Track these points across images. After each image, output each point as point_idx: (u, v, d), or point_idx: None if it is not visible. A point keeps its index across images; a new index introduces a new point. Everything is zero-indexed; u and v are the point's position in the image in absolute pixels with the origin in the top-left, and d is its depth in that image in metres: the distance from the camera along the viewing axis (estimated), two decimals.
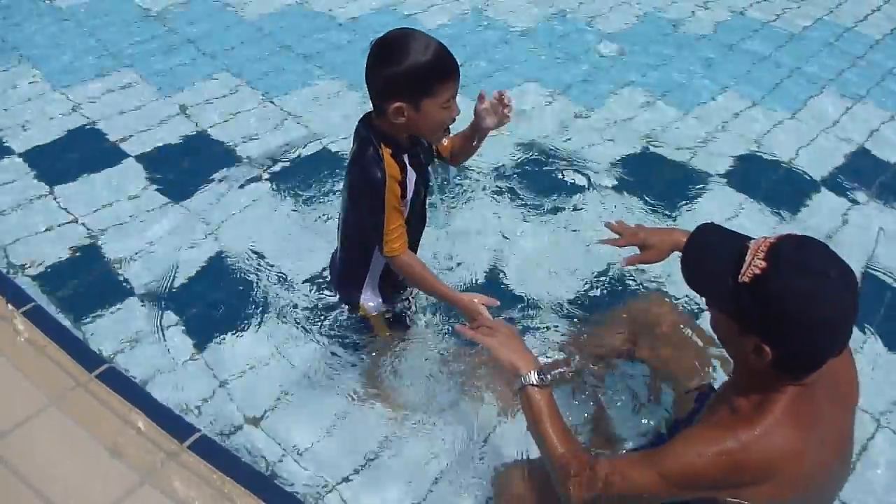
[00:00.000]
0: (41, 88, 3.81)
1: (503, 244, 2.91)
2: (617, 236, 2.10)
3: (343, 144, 3.40)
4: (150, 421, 2.16)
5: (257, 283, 2.73)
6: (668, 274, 2.67)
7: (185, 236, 2.92)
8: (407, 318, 2.32)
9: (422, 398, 2.33)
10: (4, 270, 2.73)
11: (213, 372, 2.42)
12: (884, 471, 2.19)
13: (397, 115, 1.77)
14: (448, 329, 2.37)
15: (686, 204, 3.18)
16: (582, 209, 3.11)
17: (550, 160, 3.40)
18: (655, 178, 3.33)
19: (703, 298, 1.57)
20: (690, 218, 3.06)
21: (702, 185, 3.29)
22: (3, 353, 2.33)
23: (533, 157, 3.41)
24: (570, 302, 2.69)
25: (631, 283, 2.75)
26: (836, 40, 4.52)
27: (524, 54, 4.27)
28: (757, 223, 3.06)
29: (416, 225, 2.08)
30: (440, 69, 1.75)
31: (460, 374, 2.34)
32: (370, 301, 2.17)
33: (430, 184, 2.10)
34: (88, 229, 2.95)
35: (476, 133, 2.08)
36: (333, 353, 2.47)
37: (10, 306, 2.49)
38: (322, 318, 2.59)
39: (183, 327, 2.56)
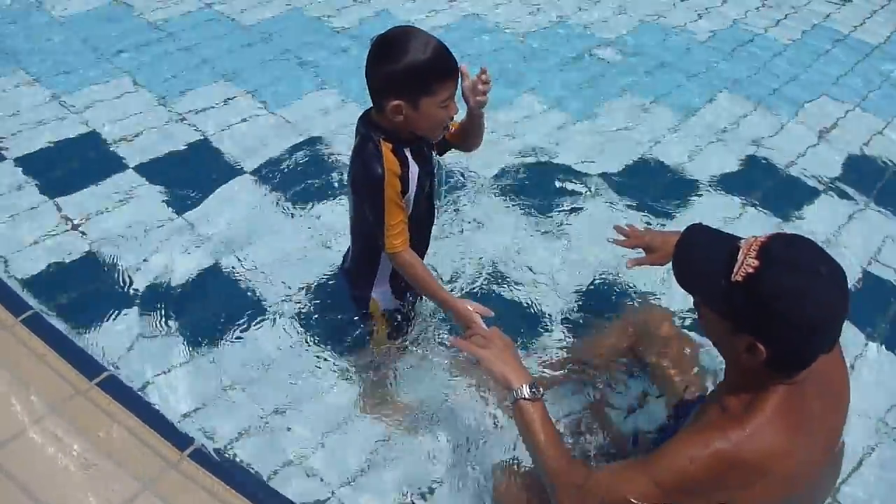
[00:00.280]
0: (41, 95, 3.81)
1: (500, 251, 2.91)
2: (624, 238, 2.15)
3: (341, 151, 3.40)
4: (150, 429, 2.15)
5: (256, 290, 2.73)
6: (671, 280, 2.67)
7: (183, 244, 2.91)
8: (407, 325, 2.32)
9: (420, 405, 2.33)
10: (3, 278, 2.72)
11: (212, 379, 2.41)
12: (885, 474, 2.20)
13: (396, 113, 1.77)
14: (446, 336, 2.37)
15: (685, 209, 3.18)
16: (580, 215, 3.12)
17: (548, 167, 3.40)
18: (654, 183, 3.34)
19: (693, 299, 1.57)
20: (690, 222, 3.05)
21: (701, 190, 3.30)
22: (3, 362, 2.32)
23: (531, 163, 3.41)
24: (568, 308, 2.69)
25: (630, 289, 2.75)
26: (832, 46, 4.55)
27: (521, 60, 4.28)
28: (756, 228, 3.06)
29: (423, 218, 2.07)
30: (439, 68, 1.75)
31: (457, 380, 2.34)
32: (381, 297, 2.17)
33: (435, 176, 2.07)
34: (87, 237, 2.95)
35: (469, 115, 2.01)
36: (332, 360, 2.48)
37: (9, 314, 2.49)
38: (320, 324, 2.60)
39: (182, 335, 2.55)
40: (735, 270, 1.38)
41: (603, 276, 2.80)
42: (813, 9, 4.97)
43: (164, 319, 2.61)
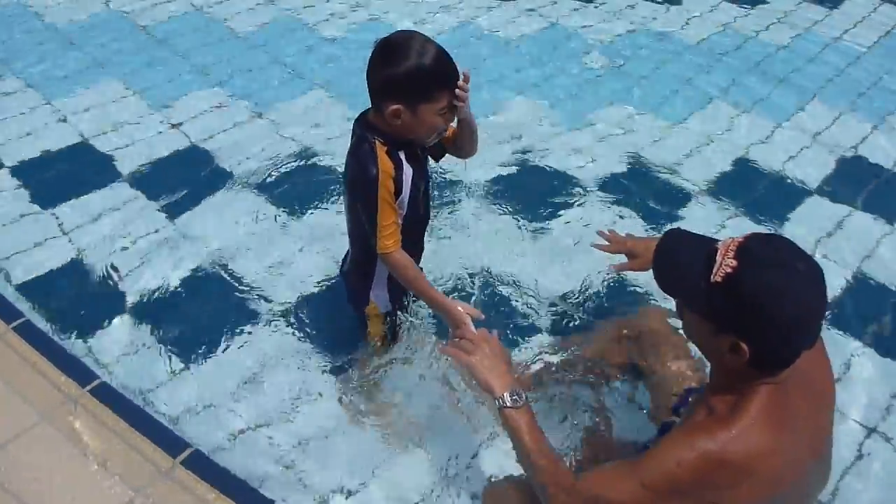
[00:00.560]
0: (33, 101, 3.80)
1: (492, 254, 2.92)
2: (607, 243, 2.18)
3: (334, 157, 3.41)
4: (142, 436, 2.15)
5: (248, 297, 2.73)
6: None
7: (176, 250, 2.91)
8: (404, 327, 2.32)
9: (415, 410, 2.33)
10: None
11: (205, 386, 2.41)
12: (877, 478, 2.21)
13: (394, 116, 1.79)
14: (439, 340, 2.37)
15: (675, 214, 3.20)
16: (573, 220, 3.13)
17: (541, 171, 3.42)
18: (645, 189, 3.35)
19: (675, 302, 1.58)
20: (683, 227, 3.07)
21: (691, 196, 3.32)
22: None
23: (524, 168, 3.43)
24: (561, 311, 2.70)
25: (624, 292, 2.76)
26: (821, 51, 4.57)
27: (514, 66, 4.30)
28: (746, 232, 3.06)
29: (417, 221, 2.08)
30: (440, 75, 1.77)
31: (453, 385, 2.34)
32: (379, 299, 2.18)
33: (430, 178, 2.09)
34: (78, 244, 2.95)
35: (458, 121, 2.00)
36: (327, 366, 2.48)
37: (0, 321, 2.48)
38: (315, 329, 2.60)
39: (175, 342, 2.56)
40: (714, 271, 1.39)
41: (595, 278, 2.81)
42: (802, 15, 5.00)
43: (156, 326, 2.61)
